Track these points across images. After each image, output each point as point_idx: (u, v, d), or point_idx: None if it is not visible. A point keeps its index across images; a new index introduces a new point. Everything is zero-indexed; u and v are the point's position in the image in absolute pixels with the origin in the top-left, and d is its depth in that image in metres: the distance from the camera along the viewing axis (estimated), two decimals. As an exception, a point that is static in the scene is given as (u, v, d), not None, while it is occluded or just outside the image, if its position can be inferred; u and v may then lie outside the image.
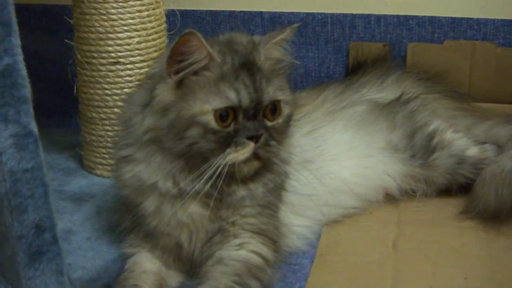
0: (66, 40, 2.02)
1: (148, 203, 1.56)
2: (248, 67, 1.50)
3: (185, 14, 2.39)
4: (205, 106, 1.46)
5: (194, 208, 1.53)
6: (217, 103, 1.46)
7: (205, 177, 1.47)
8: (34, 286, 1.45)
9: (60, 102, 2.35)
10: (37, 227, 1.45)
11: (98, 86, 2.01)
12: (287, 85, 1.58)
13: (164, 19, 2.07)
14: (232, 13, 2.38)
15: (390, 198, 1.94)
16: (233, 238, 1.55)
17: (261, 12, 2.36)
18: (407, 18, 2.29)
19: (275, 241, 1.60)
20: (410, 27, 2.30)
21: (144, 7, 1.96)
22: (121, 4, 1.93)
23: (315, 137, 1.86)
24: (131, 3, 1.94)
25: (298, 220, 1.74)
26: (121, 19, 1.94)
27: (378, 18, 2.30)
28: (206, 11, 2.41)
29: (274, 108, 1.52)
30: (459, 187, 1.95)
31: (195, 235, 1.56)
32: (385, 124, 1.93)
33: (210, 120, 1.46)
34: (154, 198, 1.55)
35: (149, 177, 1.53)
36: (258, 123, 1.49)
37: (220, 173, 1.46)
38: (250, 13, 2.37)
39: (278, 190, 1.65)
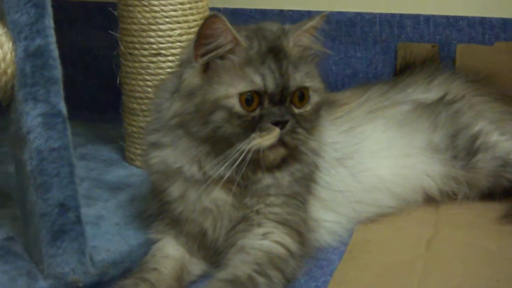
0: (110, 32, 2.03)
1: (173, 189, 1.55)
2: (275, 52, 1.48)
3: (234, 12, 2.40)
4: (230, 90, 1.45)
5: (218, 194, 1.52)
6: (242, 86, 1.45)
7: (229, 162, 1.46)
8: (55, 264, 1.47)
9: (112, 98, 2.35)
10: (61, 206, 1.47)
11: (140, 77, 2.02)
12: (317, 73, 1.56)
13: (207, 13, 2.06)
14: (281, 12, 2.38)
15: (429, 200, 1.90)
16: (256, 227, 1.54)
17: (309, 11, 2.35)
18: (456, 18, 2.25)
19: (300, 233, 1.57)
20: (459, 28, 2.26)
21: (186, 0, 1.96)
22: (163, -5, 1.94)
23: (354, 135, 1.83)
24: (174, -6, 1.94)
25: (329, 216, 1.71)
26: (163, 10, 1.95)
27: (427, 18, 2.27)
28: (256, 9, 2.41)
29: (302, 95, 1.50)
30: (503, 191, 1.90)
31: (219, 222, 1.55)
32: (426, 124, 1.89)
33: (235, 103, 1.45)
34: (179, 183, 1.55)
35: (175, 162, 1.53)
36: (285, 109, 1.47)
37: (244, 158, 1.45)
38: (299, 12, 2.36)
39: (306, 181, 1.62)
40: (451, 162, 1.87)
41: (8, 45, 1.48)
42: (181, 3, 1.96)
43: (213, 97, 1.46)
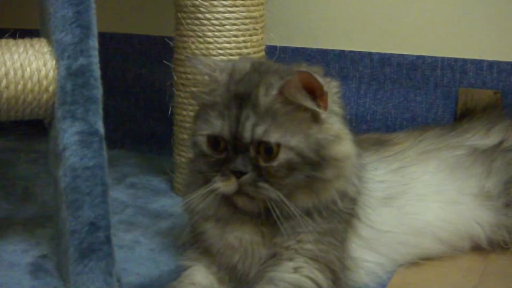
0: (164, 61, 2.05)
1: (199, 223, 1.57)
2: (243, 98, 1.45)
3: (295, 51, 2.39)
4: (202, 129, 1.49)
5: (241, 232, 1.52)
6: (206, 128, 1.48)
7: (204, 198, 1.48)
8: (80, 282, 1.47)
9: (171, 131, 2.37)
10: (91, 225, 1.47)
11: (191, 108, 2.02)
12: (305, 132, 1.45)
13: (263, 47, 2.06)
14: (342, 53, 2.36)
15: (478, 248, 1.81)
16: (287, 261, 1.50)
17: (370, 53, 2.32)
18: None
19: (334, 271, 1.53)
20: None
21: (240, 32, 1.96)
22: (217, 27, 1.95)
23: (403, 175, 1.77)
24: (228, 27, 1.95)
25: (369, 256, 1.66)
26: (217, 42, 1.96)
27: (491, 64, 2.20)
28: (317, 49, 2.39)
29: (268, 149, 1.44)
30: None
31: (249, 259, 1.53)
32: (480, 169, 1.83)
33: (203, 143, 1.48)
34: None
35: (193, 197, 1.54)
36: (246, 160, 1.44)
37: (215, 197, 1.47)
38: (359, 53, 2.33)
39: (343, 219, 1.57)
40: (504, 210, 1.79)
41: (51, 63, 1.51)
42: (235, 36, 1.97)
43: (194, 131, 1.52)
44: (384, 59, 2.31)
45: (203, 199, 1.49)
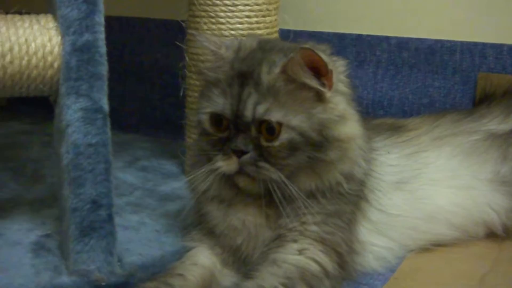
0: (176, 42, 2.02)
1: (203, 204, 1.55)
2: (245, 76, 1.42)
3: (311, 35, 2.35)
4: (206, 107, 1.46)
5: (245, 214, 1.49)
6: (209, 106, 1.45)
7: (206, 177, 1.45)
8: (80, 260, 1.45)
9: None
10: (93, 203, 1.45)
11: (202, 90, 1.99)
12: (308, 112, 1.42)
13: (276, 29, 2.03)
14: (359, 37, 2.32)
15: (493, 235, 1.77)
16: (291, 243, 1.47)
17: (387, 37, 2.28)
18: None
19: (339, 253, 1.49)
20: None
21: (253, 13, 1.93)
22: (230, 8, 1.92)
23: (416, 160, 1.74)
24: (240, 7, 1.92)
25: (379, 240, 1.62)
26: (229, 23, 1.92)
27: (511, 48, 2.14)
28: (334, 33, 2.35)
29: (270, 128, 1.40)
30: None
31: (253, 241, 1.50)
32: (496, 154, 1.79)
33: (206, 121, 1.46)
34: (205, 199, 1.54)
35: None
36: (248, 139, 1.41)
37: (216, 177, 1.45)
38: (377, 37, 2.30)
39: (351, 201, 1.53)
40: None
41: (56, 39, 1.49)
42: (248, 16, 1.93)
43: (198, 109, 1.50)
44: (402, 43, 2.27)
45: (205, 178, 1.46)
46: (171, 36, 2.52)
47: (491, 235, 1.77)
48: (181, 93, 2.07)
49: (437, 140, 1.81)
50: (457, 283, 1.56)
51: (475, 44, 2.18)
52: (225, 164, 1.42)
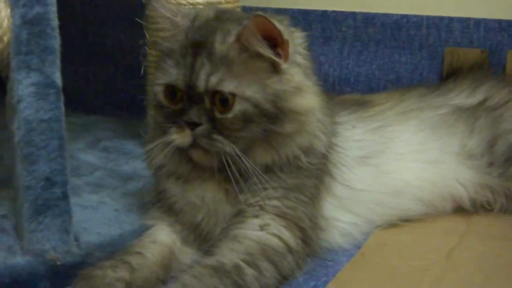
0: (136, 19, 1.97)
1: (160, 180, 1.51)
2: (199, 46, 1.38)
3: (277, 12, 2.29)
4: (160, 78, 1.42)
5: (203, 190, 1.45)
6: (162, 77, 1.42)
7: (161, 151, 1.42)
8: (35, 240, 1.40)
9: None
10: (46, 180, 1.40)
11: (163, 66, 1.93)
12: (262, 82, 1.38)
13: (238, 4, 1.98)
14: (324, 13, 2.30)
15: (461, 210, 1.76)
16: (252, 218, 1.43)
17: (354, 13, 2.26)
18: (509, 23, 2.10)
19: (302, 228, 1.46)
20: None
21: (214, -13, 1.88)
22: (190, -19, 1.87)
23: (381, 134, 1.72)
24: (200, -19, 1.87)
25: (344, 216, 1.59)
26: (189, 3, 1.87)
27: (478, 22, 2.13)
28: (299, 10, 2.31)
29: (223, 99, 1.36)
30: None
31: (213, 218, 1.46)
32: (463, 127, 1.77)
33: (160, 93, 1.42)
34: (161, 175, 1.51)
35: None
36: (202, 110, 1.37)
37: (171, 151, 1.41)
38: (342, 13, 2.27)
39: (317, 174, 1.50)
40: (487, 169, 1.74)
41: (5, 12, 1.44)
42: (208, -9, 1.88)
43: (153, 81, 1.45)
44: (368, 19, 2.25)
45: (160, 152, 1.42)
46: (135, 15, 2.48)
47: (459, 209, 1.75)
48: (142, 71, 2.01)
49: (403, 115, 1.79)
50: (424, 257, 1.53)
51: (441, 18, 2.17)
52: (179, 137, 1.38)
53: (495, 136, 1.76)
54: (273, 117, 1.38)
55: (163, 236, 1.47)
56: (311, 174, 1.48)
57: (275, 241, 1.40)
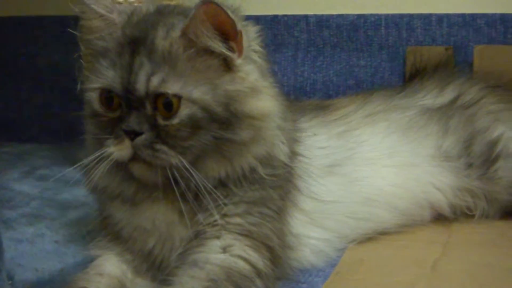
0: (69, 30, 1.79)
1: (105, 205, 1.33)
2: (136, 43, 1.21)
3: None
4: (93, 82, 1.24)
5: (155, 213, 1.27)
6: (97, 81, 1.23)
7: (97, 169, 1.22)
8: (-38, 281, 1.20)
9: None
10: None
11: (103, 81, 1.76)
12: (210, 81, 1.21)
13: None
14: (274, 18, 2.18)
15: (441, 218, 1.62)
16: (213, 239, 1.25)
17: (306, 16, 2.14)
18: (474, 17, 2.02)
19: (270, 247, 1.28)
20: (477, 28, 2.02)
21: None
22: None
23: (348, 139, 1.58)
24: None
25: (315, 232, 1.43)
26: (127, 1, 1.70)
27: (440, 18, 2.04)
28: (247, 16, 2.14)
29: (167, 103, 1.19)
30: None
31: (168, 243, 1.27)
32: (436, 128, 1.65)
33: (95, 99, 1.24)
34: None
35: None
36: (142, 117, 1.19)
37: (108, 166, 1.21)
38: (294, 17, 2.16)
39: (279, 186, 1.33)
40: (465, 171, 1.61)
41: None
42: (148, -7, 1.71)
43: (85, 87, 1.28)
44: (322, 22, 2.14)
45: (97, 169, 1.22)
46: (69, 34, 2.29)
47: (439, 218, 1.62)
48: (78, 87, 1.83)
49: (370, 117, 1.66)
50: (407, 272, 1.38)
51: (401, 16, 2.08)
52: (117, 149, 1.19)
53: (471, 136, 1.64)
54: (225, 122, 1.20)
55: (110, 267, 1.29)
56: (275, 185, 1.31)
57: (241, 264, 1.23)
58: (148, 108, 1.19)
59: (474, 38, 2.01)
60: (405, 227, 1.57)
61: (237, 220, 1.26)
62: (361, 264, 1.42)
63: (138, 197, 1.27)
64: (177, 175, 1.19)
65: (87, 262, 1.33)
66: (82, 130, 1.91)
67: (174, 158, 1.18)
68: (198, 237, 1.26)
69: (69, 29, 1.81)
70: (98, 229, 1.37)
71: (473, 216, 1.62)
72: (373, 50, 2.10)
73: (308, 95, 2.14)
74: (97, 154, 1.21)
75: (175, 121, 1.18)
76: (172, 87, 1.18)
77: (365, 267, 1.40)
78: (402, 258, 1.45)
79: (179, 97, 1.18)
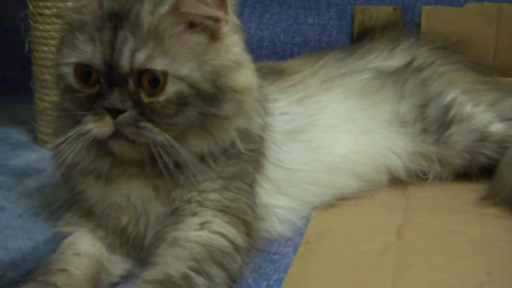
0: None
1: (76, 180, 1.29)
2: (118, 18, 1.17)
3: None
4: (69, 57, 1.19)
5: (130, 189, 1.25)
6: (72, 55, 1.19)
7: (72, 146, 1.18)
8: None
9: (27, 74, 2.04)
10: None
11: (53, 42, 1.72)
12: (196, 55, 1.19)
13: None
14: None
15: (396, 182, 1.67)
16: (191, 216, 1.25)
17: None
18: None
19: (247, 222, 1.29)
20: None
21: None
22: None
23: (307, 106, 1.58)
24: None
25: (282, 201, 1.44)
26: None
27: (389, -23, 2.01)
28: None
29: (153, 79, 1.17)
30: (480, 170, 1.68)
31: (143, 219, 1.26)
32: (391, 93, 1.67)
33: (70, 74, 1.20)
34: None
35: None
36: (124, 95, 1.16)
37: (86, 143, 1.18)
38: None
39: (252, 158, 1.33)
40: (421, 136, 1.65)
41: None
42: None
43: (57, 61, 1.23)
44: (268, -19, 2.08)
45: (73, 146, 1.18)
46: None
47: (393, 181, 1.66)
48: (26, 49, 1.76)
49: (326, 83, 1.67)
50: (374, 240, 1.41)
51: None
52: (97, 126, 1.16)
53: (426, 100, 1.67)
54: (211, 98, 1.19)
55: (86, 246, 1.27)
56: (250, 159, 1.31)
57: (221, 241, 1.23)
58: (131, 84, 1.16)
59: (421, -1, 2.01)
60: (363, 192, 1.59)
61: (215, 196, 1.26)
62: (328, 232, 1.45)
63: (113, 173, 1.25)
64: (161, 151, 1.17)
65: (58, 240, 1.30)
66: (27, 87, 1.86)
67: (159, 136, 1.16)
68: (175, 214, 1.25)
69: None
70: (67, 204, 1.34)
71: (426, 179, 1.66)
72: (321, 8, 2.07)
73: (254, 52, 2.03)
74: (73, 131, 1.17)
75: (162, 98, 1.16)
76: (160, 64, 1.15)
77: (333, 236, 1.43)
78: (366, 225, 1.48)
79: (166, 74, 1.15)
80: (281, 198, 1.44)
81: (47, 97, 1.77)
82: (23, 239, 1.32)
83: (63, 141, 1.20)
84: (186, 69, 1.17)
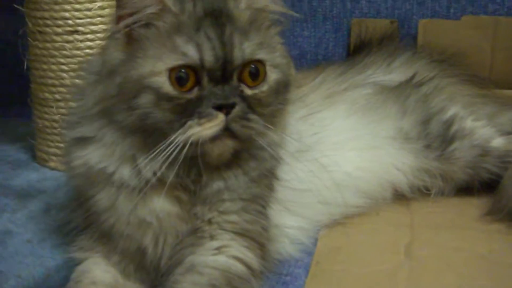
0: (15, 5, 1.69)
1: (101, 196, 1.24)
2: (215, 15, 1.18)
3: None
4: (157, 65, 1.15)
5: (159, 203, 1.22)
6: (172, 60, 1.15)
7: (162, 159, 1.15)
8: None
9: (20, 88, 2.02)
10: None
11: (53, 60, 1.72)
12: (279, 44, 1.25)
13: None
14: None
15: (399, 197, 1.66)
16: (209, 239, 1.25)
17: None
18: None
19: (262, 244, 1.29)
20: (421, 1, 2.04)
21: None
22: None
23: (312, 123, 1.57)
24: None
25: (291, 221, 1.44)
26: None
27: (385, -10, 2.03)
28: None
29: (256, 71, 1.19)
30: (482, 184, 1.68)
31: (162, 238, 1.24)
32: (394, 109, 1.66)
33: (164, 82, 1.15)
34: (108, 189, 1.23)
35: (99, 161, 1.22)
36: (231, 89, 1.16)
37: (180, 153, 1.14)
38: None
39: (268, 180, 1.33)
40: (424, 152, 1.64)
41: None
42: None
43: (136, 74, 1.16)
44: (264, -9, 2.05)
45: (166, 162, 1.16)
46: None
47: (397, 197, 1.66)
48: (25, 66, 1.75)
49: (329, 98, 1.66)
50: (384, 259, 1.42)
51: None
52: (206, 128, 1.14)
53: (428, 116, 1.67)
54: (288, 87, 1.27)
55: (101, 273, 1.26)
56: (267, 181, 1.32)
57: (238, 267, 1.23)
58: (235, 79, 1.17)
59: (418, 12, 2.03)
60: (368, 209, 1.59)
61: (234, 218, 1.26)
62: (338, 252, 1.45)
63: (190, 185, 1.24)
64: (263, 143, 1.21)
65: (69, 266, 1.29)
66: (24, 104, 1.83)
67: (262, 127, 1.19)
68: (193, 235, 1.25)
69: (14, 5, 1.71)
70: (80, 228, 1.32)
71: (429, 194, 1.66)
72: (317, 21, 2.10)
73: (250, 65, 2.11)
74: (164, 142, 1.14)
75: (265, 87, 1.20)
76: (261, 54, 1.20)
77: (343, 256, 1.44)
78: (375, 243, 1.49)
79: (264, 64, 1.20)
80: (290, 218, 1.44)
81: (47, 115, 1.76)
82: (34, 266, 1.32)
83: (154, 156, 1.16)
84: (278, 57, 1.23)
